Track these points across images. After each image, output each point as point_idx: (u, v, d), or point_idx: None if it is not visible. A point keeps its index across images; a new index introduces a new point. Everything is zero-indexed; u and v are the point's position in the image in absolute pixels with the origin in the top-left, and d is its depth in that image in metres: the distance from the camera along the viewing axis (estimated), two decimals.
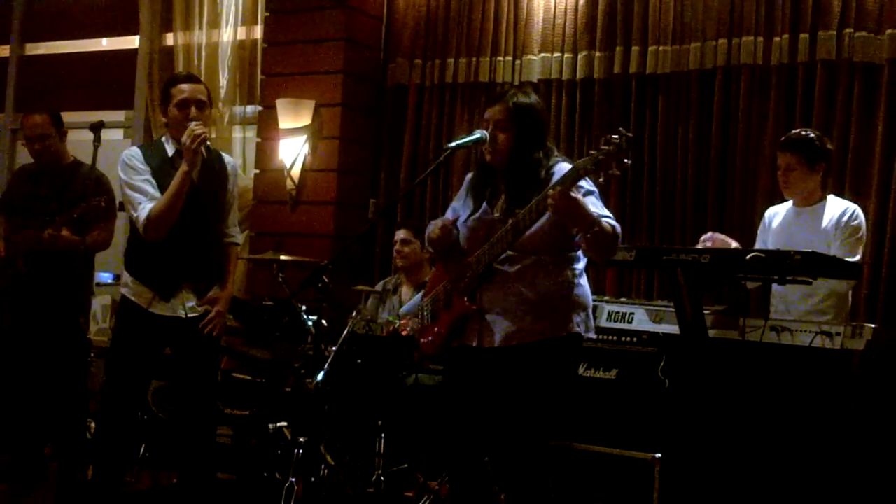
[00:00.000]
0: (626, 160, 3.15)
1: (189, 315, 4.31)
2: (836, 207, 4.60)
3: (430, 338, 3.69)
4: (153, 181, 4.25)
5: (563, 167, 3.48)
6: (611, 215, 3.45)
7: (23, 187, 5.46)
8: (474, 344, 3.52)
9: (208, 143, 4.24)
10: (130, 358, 4.32)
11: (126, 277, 4.38)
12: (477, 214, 3.60)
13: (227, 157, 4.54)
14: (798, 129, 4.78)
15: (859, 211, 4.60)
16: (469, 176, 3.78)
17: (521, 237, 3.40)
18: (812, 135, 4.65)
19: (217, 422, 4.68)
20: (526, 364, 3.44)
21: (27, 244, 5.17)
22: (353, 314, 5.06)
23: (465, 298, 3.53)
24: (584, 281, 3.57)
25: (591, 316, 3.57)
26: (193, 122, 4.17)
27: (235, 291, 6.59)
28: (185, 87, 4.28)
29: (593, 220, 3.29)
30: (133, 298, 4.32)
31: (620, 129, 3.18)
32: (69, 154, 5.46)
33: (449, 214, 3.78)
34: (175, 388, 4.71)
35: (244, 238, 6.85)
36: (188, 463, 4.42)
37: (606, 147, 3.15)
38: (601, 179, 3.25)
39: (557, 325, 3.47)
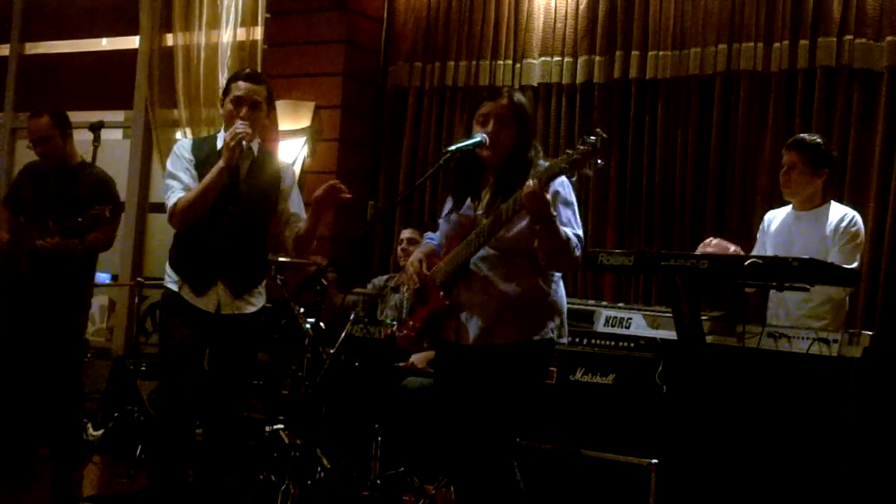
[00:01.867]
0: (599, 160, 3.17)
1: (222, 312, 4.23)
2: (836, 213, 4.61)
3: (404, 331, 3.70)
4: (193, 171, 4.25)
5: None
6: (580, 234, 3.45)
7: (29, 185, 5.45)
8: (452, 339, 3.54)
9: (251, 143, 4.22)
10: (176, 346, 4.23)
11: (167, 270, 4.34)
12: (460, 212, 3.60)
13: (282, 162, 4.52)
14: (807, 133, 4.78)
15: (858, 217, 4.60)
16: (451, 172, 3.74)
17: (500, 235, 3.40)
18: (819, 139, 4.67)
19: (240, 424, 4.49)
20: (496, 365, 3.45)
21: (29, 244, 5.17)
22: (352, 316, 5.06)
23: (441, 294, 3.53)
24: (560, 286, 3.58)
25: (565, 322, 3.57)
26: (239, 122, 4.16)
27: None
28: (242, 85, 4.24)
29: (553, 221, 3.29)
30: (172, 287, 4.28)
31: (598, 129, 3.19)
32: (76, 154, 5.43)
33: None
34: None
35: None
36: (200, 464, 4.33)
37: (582, 147, 3.17)
38: (573, 178, 3.30)
39: (531, 329, 3.47)
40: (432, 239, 3.79)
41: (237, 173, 4.28)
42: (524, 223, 3.40)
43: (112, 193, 5.31)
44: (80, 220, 4.95)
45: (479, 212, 3.54)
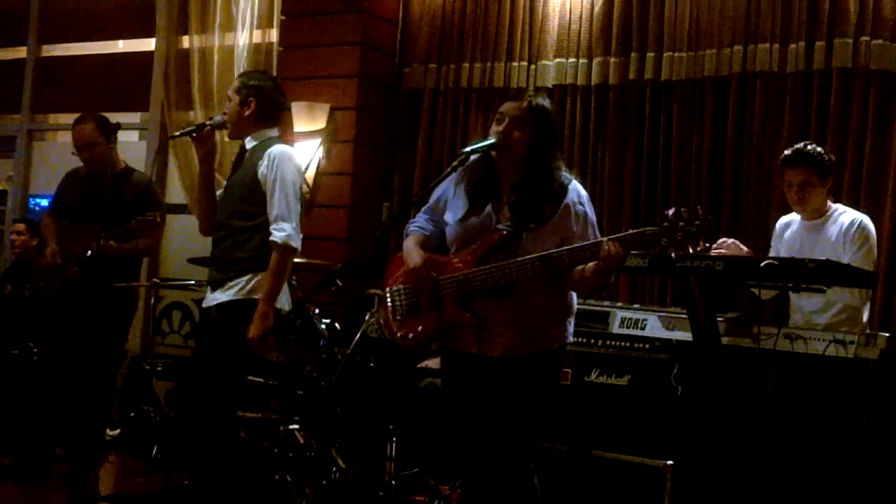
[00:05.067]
0: (707, 244, 3.16)
1: (204, 306, 4.32)
2: (844, 218, 4.58)
3: (409, 333, 3.57)
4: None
5: (576, 188, 3.47)
6: None
7: (74, 192, 5.49)
8: (475, 351, 3.48)
9: (238, 137, 4.35)
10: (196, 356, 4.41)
11: None
12: (479, 217, 3.50)
13: (272, 147, 4.29)
14: (801, 144, 4.66)
15: (867, 220, 4.57)
16: (464, 167, 3.56)
17: (525, 245, 3.36)
18: (819, 148, 4.61)
19: (223, 424, 4.38)
20: (525, 375, 3.43)
21: (78, 251, 5.20)
22: (367, 317, 5.06)
23: (462, 307, 3.46)
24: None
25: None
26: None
27: None
28: None
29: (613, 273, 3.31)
30: None
31: (698, 207, 3.17)
32: (120, 160, 5.48)
33: (434, 198, 3.71)
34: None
35: None
36: (194, 463, 4.36)
37: (690, 229, 3.14)
38: (672, 254, 3.25)
39: (554, 337, 3.47)
40: (423, 229, 3.69)
41: (234, 171, 4.38)
42: (547, 231, 3.38)
43: (158, 199, 5.39)
44: (131, 226, 5.00)
45: (501, 226, 3.45)
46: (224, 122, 4.36)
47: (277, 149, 4.25)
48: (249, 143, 4.33)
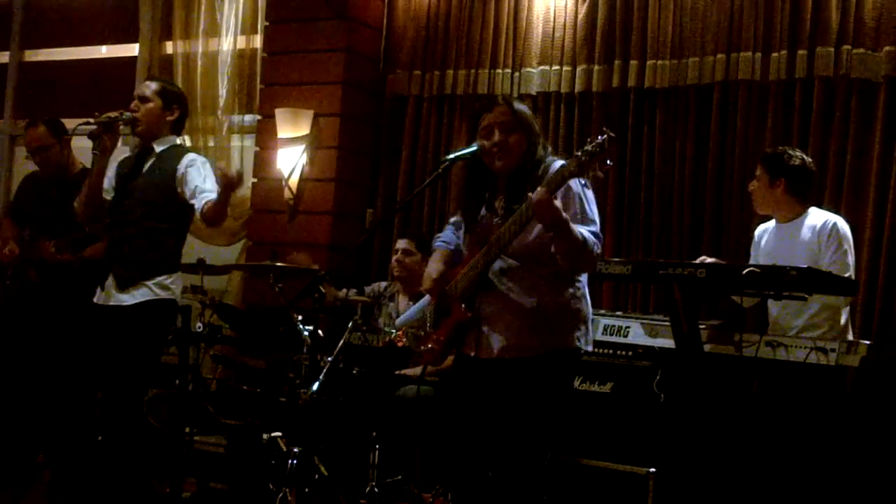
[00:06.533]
0: (608, 161, 3.09)
1: (106, 303, 4.43)
2: (816, 219, 4.60)
3: (429, 345, 3.62)
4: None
5: (557, 165, 3.46)
6: (596, 230, 3.38)
7: (31, 195, 5.46)
8: (472, 354, 3.48)
9: (149, 141, 4.50)
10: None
11: None
12: (475, 222, 3.56)
13: (188, 156, 4.54)
14: (785, 146, 4.79)
15: (841, 221, 4.60)
16: (461, 205, 3.73)
17: (521, 241, 3.35)
18: (781, 149, 4.69)
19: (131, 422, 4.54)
20: (524, 378, 3.39)
21: (37, 256, 5.18)
22: (349, 325, 5.05)
23: (463, 305, 3.48)
24: (585, 293, 3.51)
25: (590, 329, 3.51)
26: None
27: (231, 300, 6.61)
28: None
29: (566, 226, 3.22)
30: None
31: (604, 128, 3.14)
32: (76, 162, 5.45)
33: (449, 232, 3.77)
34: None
35: (241, 246, 6.86)
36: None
37: (589, 148, 3.09)
38: (585, 182, 3.24)
39: (558, 339, 3.41)
40: (448, 243, 3.73)
41: (137, 171, 4.51)
42: (537, 230, 3.35)
43: None
44: (79, 236, 5.00)
45: (497, 219, 3.48)
46: (134, 119, 4.47)
47: (198, 156, 4.54)
48: (159, 147, 4.50)
